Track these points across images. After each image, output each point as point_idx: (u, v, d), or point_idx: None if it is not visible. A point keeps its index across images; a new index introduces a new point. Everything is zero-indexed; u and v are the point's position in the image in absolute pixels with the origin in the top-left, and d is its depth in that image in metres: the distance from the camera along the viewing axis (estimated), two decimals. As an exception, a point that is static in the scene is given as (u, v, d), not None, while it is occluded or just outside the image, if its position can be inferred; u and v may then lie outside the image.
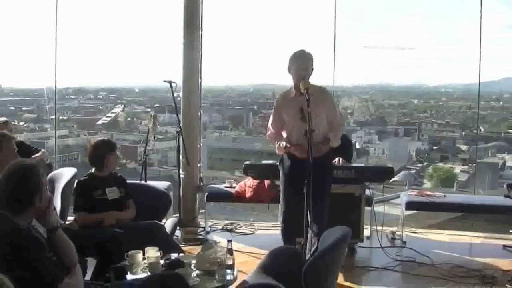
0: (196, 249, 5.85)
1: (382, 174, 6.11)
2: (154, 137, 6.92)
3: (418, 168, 21.78)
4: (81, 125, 18.51)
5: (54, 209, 3.18)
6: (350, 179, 5.88)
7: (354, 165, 6.21)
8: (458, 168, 22.25)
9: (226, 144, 20.32)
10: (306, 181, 4.42)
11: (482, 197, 7.46)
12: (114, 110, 19.48)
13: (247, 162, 6.26)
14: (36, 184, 2.92)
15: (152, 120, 6.73)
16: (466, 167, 22.35)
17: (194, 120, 7.19)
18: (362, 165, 6.18)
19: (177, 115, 6.53)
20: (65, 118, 17.75)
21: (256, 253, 5.82)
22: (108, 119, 19.12)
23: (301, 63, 4.88)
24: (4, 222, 2.83)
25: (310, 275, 3.30)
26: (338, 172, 5.80)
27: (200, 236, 6.68)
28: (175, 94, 6.43)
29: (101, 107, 19.60)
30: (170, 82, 6.29)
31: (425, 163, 23.01)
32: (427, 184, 21.41)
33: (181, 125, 6.60)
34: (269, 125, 5.15)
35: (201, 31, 7.17)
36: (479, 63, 7.57)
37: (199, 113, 7.29)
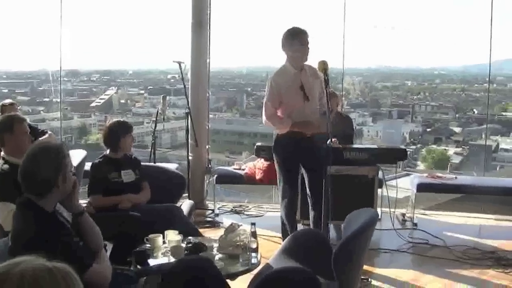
0: (207, 232, 5.80)
1: (395, 155, 6.04)
2: (164, 118, 6.83)
3: (411, 150, 21.79)
4: (75, 108, 18.28)
5: None
6: (362, 161, 5.81)
7: (366, 146, 6.15)
8: (451, 150, 22.32)
9: (220, 126, 20.24)
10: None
11: (493, 179, 7.42)
12: (108, 92, 19.30)
13: (259, 144, 6.17)
14: (59, 164, 2.79)
15: (162, 101, 6.64)
16: (459, 149, 22.43)
17: (202, 102, 7.10)
18: (375, 146, 6.10)
19: (186, 96, 6.42)
20: (58, 100, 17.55)
21: (269, 236, 5.76)
22: (102, 101, 18.94)
23: (303, 38, 4.81)
24: (30, 206, 2.74)
25: (341, 259, 3.24)
26: (351, 153, 5.76)
27: (209, 219, 6.60)
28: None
29: (94, 89, 19.39)
30: (179, 63, 6.19)
31: (418, 145, 23.06)
32: (421, 166, 21.46)
33: (189, 106, 6.47)
34: (268, 105, 4.92)
35: (209, 11, 7.03)
36: (489, 43, 7.50)
37: (207, 94, 7.19)
